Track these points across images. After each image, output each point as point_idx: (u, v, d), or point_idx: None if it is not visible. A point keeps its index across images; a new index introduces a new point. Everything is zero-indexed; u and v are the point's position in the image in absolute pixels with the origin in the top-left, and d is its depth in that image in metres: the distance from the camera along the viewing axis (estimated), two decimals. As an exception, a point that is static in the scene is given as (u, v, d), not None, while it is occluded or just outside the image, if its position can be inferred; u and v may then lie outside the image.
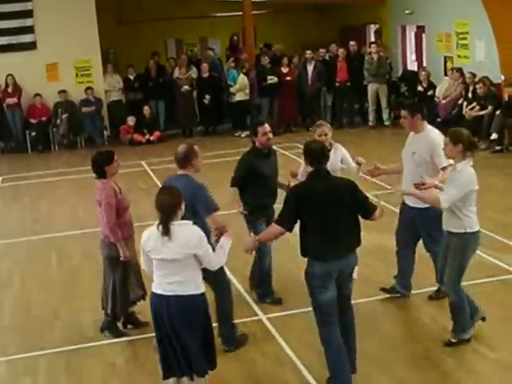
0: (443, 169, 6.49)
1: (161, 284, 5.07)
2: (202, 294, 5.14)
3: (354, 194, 5.45)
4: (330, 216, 5.31)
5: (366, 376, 5.80)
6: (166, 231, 4.93)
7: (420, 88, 16.20)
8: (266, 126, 7.23)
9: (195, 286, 5.08)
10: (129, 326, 6.91)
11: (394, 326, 6.79)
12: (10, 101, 16.64)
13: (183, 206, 5.07)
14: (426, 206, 6.34)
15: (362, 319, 7.05)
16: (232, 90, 17.07)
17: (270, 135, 7.22)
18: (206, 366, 5.21)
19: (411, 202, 6.72)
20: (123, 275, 6.60)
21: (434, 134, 6.70)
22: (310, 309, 6.09)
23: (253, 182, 6.96)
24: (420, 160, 6.65)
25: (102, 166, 6.49)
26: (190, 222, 5.11)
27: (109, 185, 6.50)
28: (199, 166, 6.09)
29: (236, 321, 6.67)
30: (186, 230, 5.03)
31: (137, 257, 6.29)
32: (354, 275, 5.66)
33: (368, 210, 5.52)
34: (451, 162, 6.13)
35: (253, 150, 7.22)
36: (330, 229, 5.32)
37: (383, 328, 6.68)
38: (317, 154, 5.46)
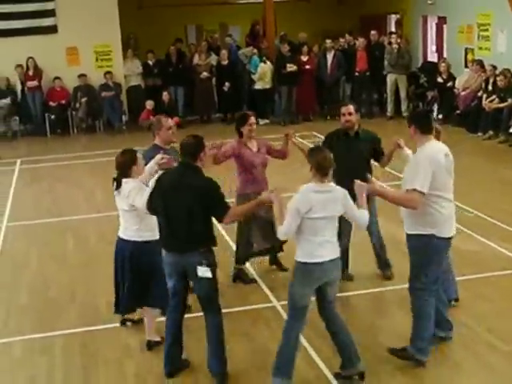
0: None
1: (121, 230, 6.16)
2: (146, 242, 5.96)
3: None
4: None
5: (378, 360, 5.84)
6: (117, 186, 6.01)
7: (440, 79, 16.12)
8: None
9: (138, 234, 5.99)
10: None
11: (406, 317, 6.79)
12: (31, 83, 16.73)
13: (136, 166, 6.00)
14: None
15: (375, 310, 7.10)
16: (253, 77, 17.08)
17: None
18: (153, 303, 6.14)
19: None
20: (246, 225, 7.28)
21: (424, 155, 5.61)
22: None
23: None
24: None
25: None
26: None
27: None
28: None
29: (250, 307, 6.73)
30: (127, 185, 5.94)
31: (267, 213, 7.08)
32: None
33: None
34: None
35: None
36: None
37: (397, 319, 6.69)
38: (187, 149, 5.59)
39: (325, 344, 6.00)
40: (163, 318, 5.96)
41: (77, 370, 6.08)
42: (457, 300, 6.76)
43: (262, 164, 7.46)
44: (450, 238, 5.71)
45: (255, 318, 6.81)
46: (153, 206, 5.61)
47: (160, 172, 5.95)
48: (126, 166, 6.01)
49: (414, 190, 5.44)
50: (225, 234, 8.71)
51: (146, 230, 6.01)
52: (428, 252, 5.64)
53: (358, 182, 5.52)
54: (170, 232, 5.53)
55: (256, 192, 6.70)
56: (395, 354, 5.87)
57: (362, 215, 5.40)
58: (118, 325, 6.74)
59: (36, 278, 8.21)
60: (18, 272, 8.40)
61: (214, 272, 5.53)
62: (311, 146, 7.28)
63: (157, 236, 5.76)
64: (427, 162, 5.49)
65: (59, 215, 10.51)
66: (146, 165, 6.16)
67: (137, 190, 5.89)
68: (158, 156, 6.19)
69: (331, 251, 5.34)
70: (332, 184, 5.36)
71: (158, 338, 6.29)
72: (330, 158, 5.31)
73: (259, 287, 7.51)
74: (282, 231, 5.30)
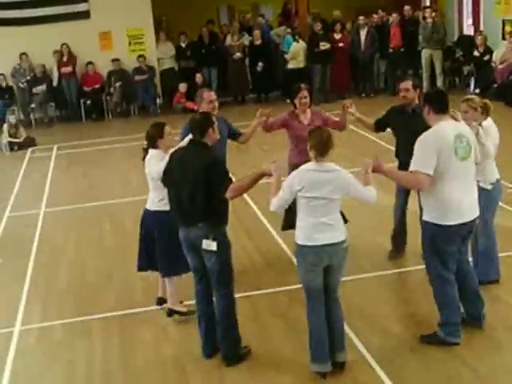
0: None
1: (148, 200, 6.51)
2: (155, 212, 6.32)
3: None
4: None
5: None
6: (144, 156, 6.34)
7: (476, 53, 15.84)
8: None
9: (161, 204, 6.22)
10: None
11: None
12: (66, 69, 16.85)
13: (163, 139, 6.24)
14: None
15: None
16: (286, 57, 16.96)
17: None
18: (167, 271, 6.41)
19: None
20: None
21: (429, 135, 5.49)
22: (359, 276, 6.08)
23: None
24: None
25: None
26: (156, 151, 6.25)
27: None
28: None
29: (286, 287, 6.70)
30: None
31: None
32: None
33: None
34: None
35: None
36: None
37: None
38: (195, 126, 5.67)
39: (364, 325, 5.95)
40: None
41: (115, 353, 6.13)
42: (497, 281, 6.66)
43: None
44: (457, 226, 5.45)
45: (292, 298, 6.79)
46: (164, 178, 5.81)
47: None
48: (153, 138, 6.30)
49: (417, 170, 5.34)
50: (263, 218, 8.71)
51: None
52: (434, 241, 5.54)
53: (363, 159, 5.49)
54: (176, 206, 5.68)
55: (300, 164, 6.67)
56: (426, 340, 5.79)
57: (367, 193, 5.30)
58: (155, 307, 6.78)
59: (74, 262, 8.30)
60: (56, 257, 8.49)
61: (222, 249, 5.54)
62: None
63: None
64: (431, 142, 5.36)
65: (96, 200, 10.59)
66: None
67: (154, 160, 6.18)
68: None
69: (330, 235, 5.21)
70: (332, 165, 5.25)
71: (181, 308, 6.50)
72: (328, 138, 5.24)
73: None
74: (273, 204, 5.30)
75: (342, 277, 5.49)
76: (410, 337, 5.92)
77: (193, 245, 5.61)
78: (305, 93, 7.42)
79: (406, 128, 6.93)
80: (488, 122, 6.39)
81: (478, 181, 5.91)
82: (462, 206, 5.46)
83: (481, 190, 6.01)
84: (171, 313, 6.53)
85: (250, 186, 5.57)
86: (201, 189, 5.45)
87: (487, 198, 6.25)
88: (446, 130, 5.42)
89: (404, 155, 5.96)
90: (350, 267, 6.40)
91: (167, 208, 5.96)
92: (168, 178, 5.76)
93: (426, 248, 5.68)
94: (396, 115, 7.35)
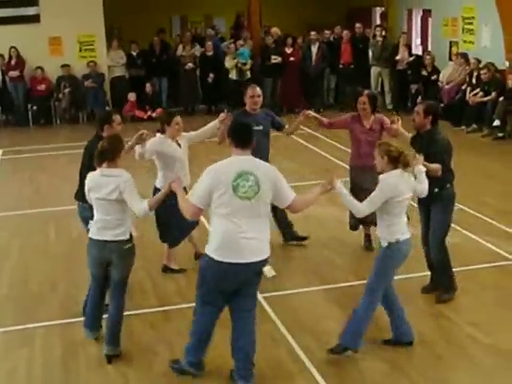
0: None
1: None
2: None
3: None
4: None
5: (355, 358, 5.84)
6: None
7: (424, 72, 16.14)
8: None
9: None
10: None
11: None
12: (13, 73, 16.59)
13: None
14: None
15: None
16: (243, 68, 17.00)
17: None
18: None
19: None
20: (355, 195, 7.47)
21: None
22: (306, 289, 6.12)
23: None
24: None
25: None
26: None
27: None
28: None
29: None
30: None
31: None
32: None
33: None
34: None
35: None
36: None
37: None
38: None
39: (308, 336, 5.99)
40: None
41: (57, 362, 6.02)
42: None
43: (369, 142, 7.67)
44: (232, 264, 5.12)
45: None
46: None
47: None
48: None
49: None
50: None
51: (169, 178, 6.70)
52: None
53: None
54: None
55: (360, 166, 7.71)
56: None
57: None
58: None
59: (17, 269, 8.14)
60: (-2, 263, 8.33)
61: None
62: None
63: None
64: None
65: (41, 206, 10.43)
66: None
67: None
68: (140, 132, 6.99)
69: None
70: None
71: (174, 266, 7.70)
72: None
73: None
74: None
75: None
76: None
77: None
78: (364, 98, 7.78)
79: None
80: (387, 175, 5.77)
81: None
82: (233, 245, 5.13)
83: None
84: (166, 269, 7.67)
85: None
86: None
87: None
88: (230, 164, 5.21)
89: None
90: (298, 280, 6.47)
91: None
92: None
93: None
94: None
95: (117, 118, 6.58)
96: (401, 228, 5.73)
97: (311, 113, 8.28)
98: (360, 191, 7.19)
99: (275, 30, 17.65)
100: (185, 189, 6.63)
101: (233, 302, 5.35)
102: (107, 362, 5.89)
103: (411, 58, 16.36)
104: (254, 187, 5.09)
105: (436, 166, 6.31)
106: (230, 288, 5.26)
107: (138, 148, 7.19)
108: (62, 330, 6.57)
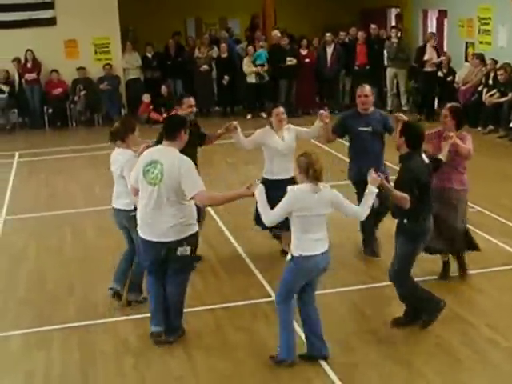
0: None
1: None
2: None
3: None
4: None
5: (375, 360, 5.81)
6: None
7: (440, 74, 16.04)
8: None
9: None
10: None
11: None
12: (29, 76, 16.65)
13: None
14: None
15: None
16: (260, 70, 16.96)
17: None
18: None
19: None
20: None
21: None
22: (321, 292, 6.11)
23: None
24: None
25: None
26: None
27: None
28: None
29: (249, 301, 6.69)
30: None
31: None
32: None
33: None
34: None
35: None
36: None
37: (394, 312, 6.64)
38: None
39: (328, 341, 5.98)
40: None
41: (74, 364, 6.03)
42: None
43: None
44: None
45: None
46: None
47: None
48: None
49: None
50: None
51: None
52: None
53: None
54: None
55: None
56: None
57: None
58: (116, 319, 6.71)
59: (34, 271, 8.16)
60: (15, 265, 8.35)
61: None
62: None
63: None
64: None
65: (57, 208, 10.45)
66: None
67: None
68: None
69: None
70: None
71: None
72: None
73: (259, 282, 7.47)
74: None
75: None
76: (371, 352, 5.94)
77: None
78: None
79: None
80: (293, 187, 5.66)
81: None
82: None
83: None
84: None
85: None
86: None
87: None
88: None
89: None
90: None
91: None
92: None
93: None
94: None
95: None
96: (306, 245, 5.45)
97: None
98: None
99: (275, 33, 17.58)
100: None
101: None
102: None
103: (439, 59, 16.11)
104: (159, 175, 5.78)
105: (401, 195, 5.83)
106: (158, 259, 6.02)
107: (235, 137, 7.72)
108: (79, 332, 6.58)
